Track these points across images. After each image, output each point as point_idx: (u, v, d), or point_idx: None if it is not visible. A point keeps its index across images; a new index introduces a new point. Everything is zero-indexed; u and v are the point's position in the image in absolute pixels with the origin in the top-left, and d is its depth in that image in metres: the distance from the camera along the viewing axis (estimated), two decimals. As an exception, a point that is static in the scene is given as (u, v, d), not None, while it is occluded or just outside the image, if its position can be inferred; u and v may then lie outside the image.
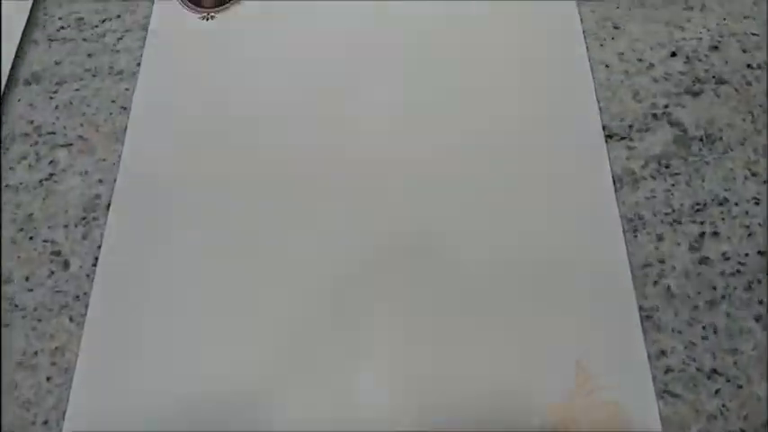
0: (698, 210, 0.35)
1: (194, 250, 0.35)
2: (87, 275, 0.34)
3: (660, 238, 0.35)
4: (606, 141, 0.37)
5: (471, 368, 0.31)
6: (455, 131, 0.38)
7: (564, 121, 0.38)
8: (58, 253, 0.35)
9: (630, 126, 0.38)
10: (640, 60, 0.40)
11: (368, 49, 0.41)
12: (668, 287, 0.33)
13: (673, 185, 0.36)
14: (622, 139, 0.37)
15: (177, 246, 0.35)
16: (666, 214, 0.35)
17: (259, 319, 0.33)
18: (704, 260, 0.34)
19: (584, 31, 0.41)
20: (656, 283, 0.33)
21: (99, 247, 0.35)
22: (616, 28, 0.41)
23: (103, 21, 0.43)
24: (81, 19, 0.43)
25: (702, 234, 0.35)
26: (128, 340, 0.33)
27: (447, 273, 0.34)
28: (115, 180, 0.37)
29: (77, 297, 0.34)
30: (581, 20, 0.41)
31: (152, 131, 0.38)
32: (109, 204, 0.36)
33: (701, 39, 0.41)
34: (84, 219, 0.36)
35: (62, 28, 0.43)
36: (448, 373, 0.31)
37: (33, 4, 0.43)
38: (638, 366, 0.31)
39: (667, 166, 0.37)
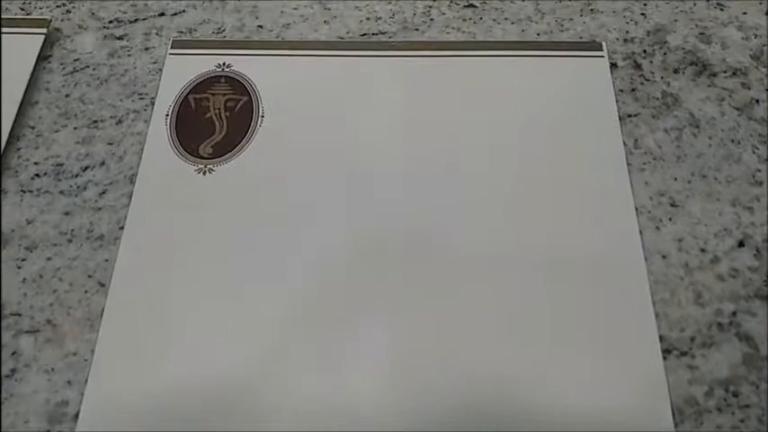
0: (773, 456, 0.30)
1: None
2: None
3: (729, 497, 0.29)
4: (664, 358, 0.32)
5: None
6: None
7: (615, 332, 0.32)
8: (12, 481, 0.30)
9: (692, 339, 0.32)
10: (703, 251, 0.35)
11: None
12: None
13: (742, 422, 0.30)
14: (683, 355, 0.32)
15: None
16: (736, 463, 0.30)
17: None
18: None
19: (636, 208, 0.36)
20: None
21: (61, 476, 0.30)
22: (674, 206, 0.36)
23: (85, 169, 0.37)
24: (60, 165, 0.37)
25: (780, 493, 0.29)
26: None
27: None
28: (86, 382, 0.32)
29: None
30: (633, 193, 0.36)
31: (131, 319, 0.33)
32: (77, 414, 0.31)
33: (772, 224, 0.35)
34: (46, 435, 0.31)
35: (37, 176, 0.37)
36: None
37: (7, 145, 0.38)
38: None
39: (735, 395, 0.31)
